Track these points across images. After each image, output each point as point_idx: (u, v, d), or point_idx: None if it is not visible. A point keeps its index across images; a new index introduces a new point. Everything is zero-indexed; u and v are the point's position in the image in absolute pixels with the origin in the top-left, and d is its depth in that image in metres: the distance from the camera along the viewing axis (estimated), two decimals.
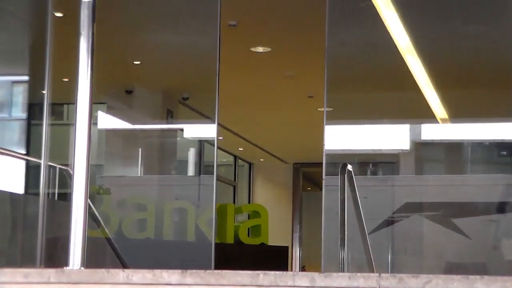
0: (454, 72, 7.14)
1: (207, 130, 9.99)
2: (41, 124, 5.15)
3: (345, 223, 4.94)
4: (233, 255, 7.13)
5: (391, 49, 6.38)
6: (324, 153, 5.12)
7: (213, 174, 10.85)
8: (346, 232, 4.93)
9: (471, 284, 1.70)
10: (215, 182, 5.12)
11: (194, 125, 9.48)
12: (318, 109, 8.31)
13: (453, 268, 6.52)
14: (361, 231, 5.25)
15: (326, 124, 5.10)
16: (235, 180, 11.94)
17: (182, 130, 9.66)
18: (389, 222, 6.91)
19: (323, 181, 5.03)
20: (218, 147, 10.69)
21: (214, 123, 5.20)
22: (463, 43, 6.53)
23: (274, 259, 7.55)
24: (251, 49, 6.59)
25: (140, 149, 8.75)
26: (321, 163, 4.93)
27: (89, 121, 2.28)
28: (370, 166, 7.71)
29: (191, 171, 9.93)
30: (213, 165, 11.17)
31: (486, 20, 5.93)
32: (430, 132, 8.51)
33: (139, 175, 8.69)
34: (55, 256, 4.88)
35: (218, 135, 10.17)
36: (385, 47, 6.42)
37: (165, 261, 6.13)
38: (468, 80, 7.30)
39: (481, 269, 6.35)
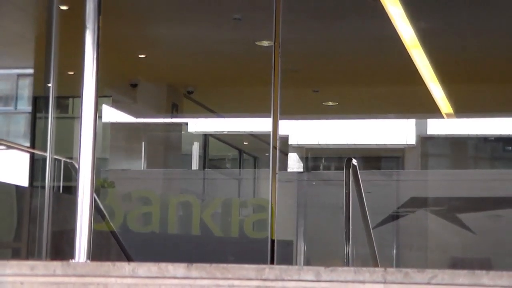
0: (460, 67, 7.13)
1: (213, 124, 9.99)
2: (46, 117, 5.16)
3: (350, 217, 4.93)
4: (237, 249, 7.13)
5: (397, 44, 6.36)
6: (271, 146, 5.13)
7: (218, 167, 10.84)
8: (350, 227, 4.92)
9: (477, 280, 1.70)
10: (271, 175, 5.08)
11: (199, 119, 9.48)
12: (323, 103, 8.30)
13: (457, 263, 6.51)
14: (366, 225, 5.24)
15: (279, 119, 5.13)
16: (239, 174, 11.93)
17: (186, 124, 9.66)
18: (394, 217, 6.91)
19: (277, 176, 5.03)
20: (222, 141, 10.69)
21: (270, 117, 5.19)
22: (469, 38, 6.51)
23: (279, 253, 7.54)
24: (256, 43, 6.58)
25: (144, 143, 8.75)
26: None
27: (95, 114, 2.28)
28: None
29: (195, 165, 9.94)
30: (218, 159, 11.17)
31: (492, 14, 5.91)
32: (435, 126, 8.49)
33: (143, 168, 8.69)
34: (59, 249, 4.89)
35: (221, 128, 10.17)
36: (390, 41, 6.40)
37: (170, 255, 6.14)
38: (473, 75, 7.28)
39: (486, 264, 6.35)
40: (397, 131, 8.58)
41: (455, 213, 6.76)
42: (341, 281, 1.74)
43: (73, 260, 2.09)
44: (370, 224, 5.20)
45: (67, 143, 6.30)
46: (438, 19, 6.10)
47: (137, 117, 8.78)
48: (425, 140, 8.41)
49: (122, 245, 5.72)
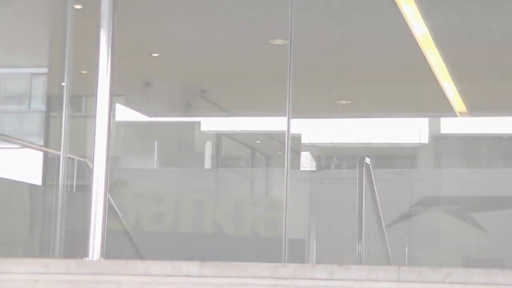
0: (473, 65, 7.10)
1: (226, 123, 9.99)
2: (60, 116, 5.17)
3: (363, 216, 4.93)
4: (249, 248, 7.13)
5: (410, 42, 6.34)
6: (286, 145, 5.13)
7: (231, 167, 10.85)
8: (363, 226, 4.91)
9: (491, 278, 1.69)
10: (286, 174, 5.09)
11: (212, 118, 9.48)
12: (336, 102, 8.28)
13: (471, 263, 6.49)
14: (379, 224, 5.23)
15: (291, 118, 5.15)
16: (252, 173, 11.92)
17: (199, 123, 9.66)
18: (407, 216, 6.89)
19: (287, 174, 5.03)
20: (235, 140, 10.68)
21: (283, 116, 5.20)
22: (482, 36, 6.49)
23: (292, 252, 7.53)
24: (269, 41, 6.58)
25: (157, 142, 8.77)
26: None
27: (109, 113, 2.28)
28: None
29: (208, 164, 9.93)
30: (231, 158, 11.17)
31: (506, 12, 5.89)
32: (449, 125, 8.47)
33: (155, 167, 8.70)
34: (73, 248, 4.90)
35: (234, 127, 10.17)
36: (403, 39, 6.38)
37: (183, 254, 6.15)
38: (487, 73, 7.25)
39: (499, 264, 6.32)
40: (410, 130, 8.57)
41: (468, 212, 6.73)
42: (355, 280, 1.74)
43: (87, 258, 2.10)
44: (383, 223, 5.19)
45: (81, 141, 6.32)
46: (451, 17, 6.08)
47: (150, 116, 8.79)
48: (438, 138, 8.39)
49: (135, 244, 5.73)
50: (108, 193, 2.31)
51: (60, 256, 4.72)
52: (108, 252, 2.16)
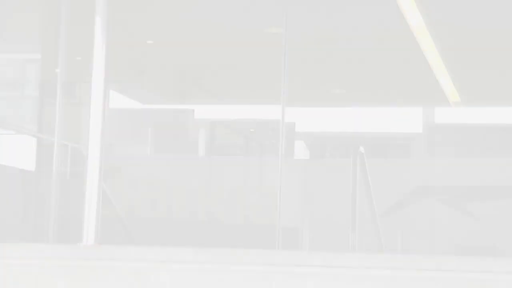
0: (468, 55, 7.11)
1: (219, 111, 9.99)
2: (53, 103, 5.16)
3: (356, 205, 4.94)
4: (243, 236, 7.15)
5: (404, 31, 6.34)
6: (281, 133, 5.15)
7: (225, 154, 10.86)
8: (357, 214, 4.93)
9: (485, 266, 1.70)
10: (280, 162, 5.10)
11: (206, 106, 9.48)
12: (331, 91, 8.29)
13: (463, 251, 6.52)
14: (372, 213, 5.25)
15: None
16: (246, 161, 11.91)
17: (193, 110, 9.66)
18: (400, 205, 6.91)
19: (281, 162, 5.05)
20: (228, 128, 10.68)
21: (277, 104, 5.21)
22: (477, 26, 6.49)
23: (284, 240, 7.55)
24: (264, 30, 6.57)
25: (150, 129, 8.76)
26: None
27: (104, 100, 2.28)
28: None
29: (202, 151, 9.94)
30: (225, 146, 11.17)
31: (501, 1, 5.89)
32: (443, 114, 8.49)
33: (149, 154, 8.70)
34: (66, 233, 4.91)
35: (228, 115, 10.18)
36: (398, 28, 6.39)
37: (176, 241, 6.15)
38: (481, 63, 7.26)
39: (492, 253, 6.35)
40: (404, 119, 8.59)
41: (462, 201, 6.76)
42: (349, 267, 1.74)
43: (80, 244, 2.10)
44: (376, 211, 5.20)
45: (74, 128, 6.31)
46: (446, 7, 6.08)
47: (144, 103, 8.79)
48: (432, 128, 8.41)
49: (129, 230, 5.74)
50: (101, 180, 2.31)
51: (54, 242, 4.73)
52: (102, 238, 2.16)
